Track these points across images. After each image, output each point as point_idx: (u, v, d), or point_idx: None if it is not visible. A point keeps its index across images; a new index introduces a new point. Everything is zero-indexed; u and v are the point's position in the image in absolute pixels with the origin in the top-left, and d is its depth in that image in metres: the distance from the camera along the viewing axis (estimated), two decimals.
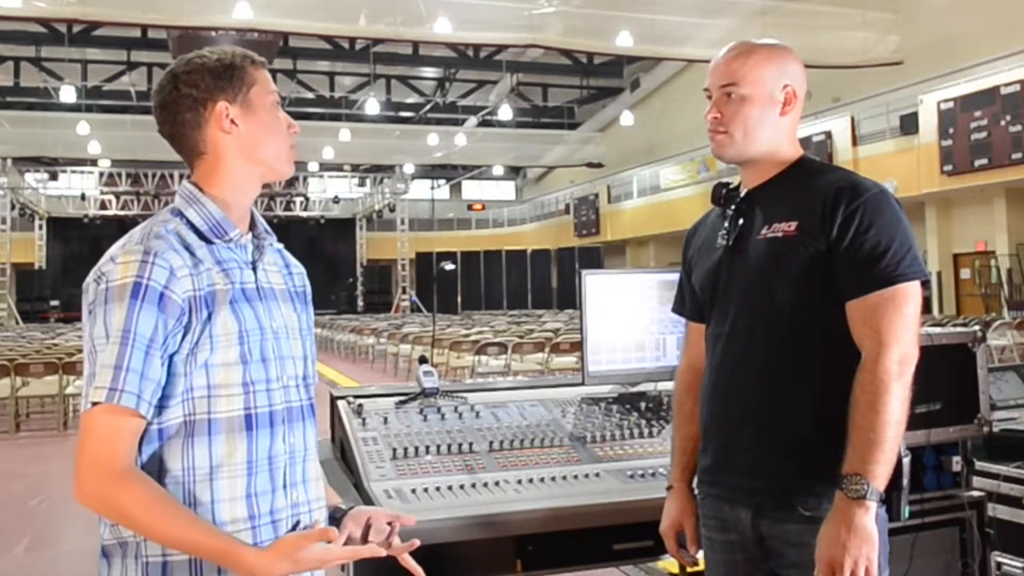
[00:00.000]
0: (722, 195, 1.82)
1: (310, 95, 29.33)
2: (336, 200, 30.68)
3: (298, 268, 1.60)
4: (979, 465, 2.66)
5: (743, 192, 1.79)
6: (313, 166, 29.55)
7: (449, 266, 20.22)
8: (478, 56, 26.30)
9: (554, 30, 17.23)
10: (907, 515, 1.78)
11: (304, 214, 31.03)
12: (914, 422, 1.99)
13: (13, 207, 27.54)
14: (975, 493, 2.53)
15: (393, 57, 25.85)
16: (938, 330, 2.58)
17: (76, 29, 21.86)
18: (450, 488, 2.00)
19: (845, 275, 1.61)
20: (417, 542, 1.45)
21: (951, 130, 16.32)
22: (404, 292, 30.87)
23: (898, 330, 1.57)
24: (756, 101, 1.71)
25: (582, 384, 2.51)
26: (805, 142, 18.52)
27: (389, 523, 1.50)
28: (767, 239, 1.69)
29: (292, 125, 1.50)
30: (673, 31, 17.45)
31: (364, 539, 1.49)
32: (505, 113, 24.90)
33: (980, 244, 17.58)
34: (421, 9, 15.51)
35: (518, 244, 32.78)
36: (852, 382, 1.57)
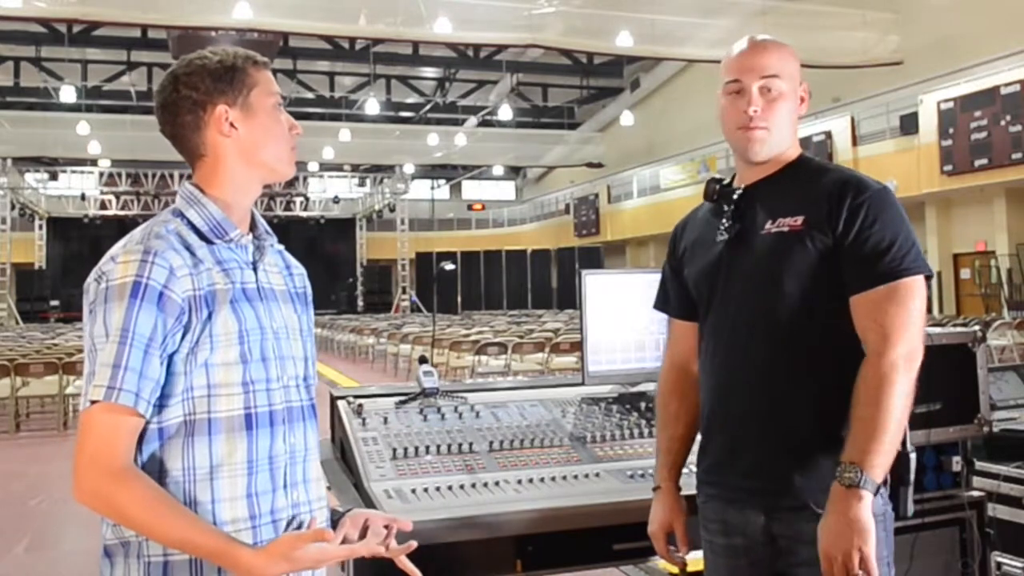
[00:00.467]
0: (715, 191, 1.79)
1: (310, 95, 29.33)
2: (336, 200, 30.68)
3: (299, 269, 1.60)
4: (979, 465, 2.66)
5: (741, 188, 1.76)
6: (313, 166, 29.55)
7: (449, 266, 20.21)
8: (478, 56, 26.30)
9: (554, 30, 17.23)
10: (912, 512, 1.78)
11: (304, 214, 31.03)
12: (914, 422, 1.99)
13: (13, 207, 27.54)
14: (975, 493, 2.54)
15: (393, 57, 25.86)
16: (938, 330, 2.58)
17: (76, 29, 21.86)
18: (450, 488, 2.00)
19: (850, 269, 1.61)
20: (414, 544, 1.44)
21: (951, 130, 16.32)
22: (404, 292, 30.87)
23: (903, 325, 1.56)
24: (790, 97, 1.70)
25: (582, 384, 2.51)
26: (805, 142, 18.54)
27: (386, 526, 1.50)
28: (772, 234, 1.67)
29: (294, 126, 1.50)
30: (673, 31, 17.46)
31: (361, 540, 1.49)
32: (505, 113, 24.91)
33: (980, 244, 17.58)
34: (421, 9, 15.51)
35: (518, 244, 32.78)
36: (855, 378, 1.56)
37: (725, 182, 1.80)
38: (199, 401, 1.36)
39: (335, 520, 1.52)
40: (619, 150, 30.57)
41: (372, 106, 24.07)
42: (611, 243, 29.49)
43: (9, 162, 26.11)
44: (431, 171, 33.97)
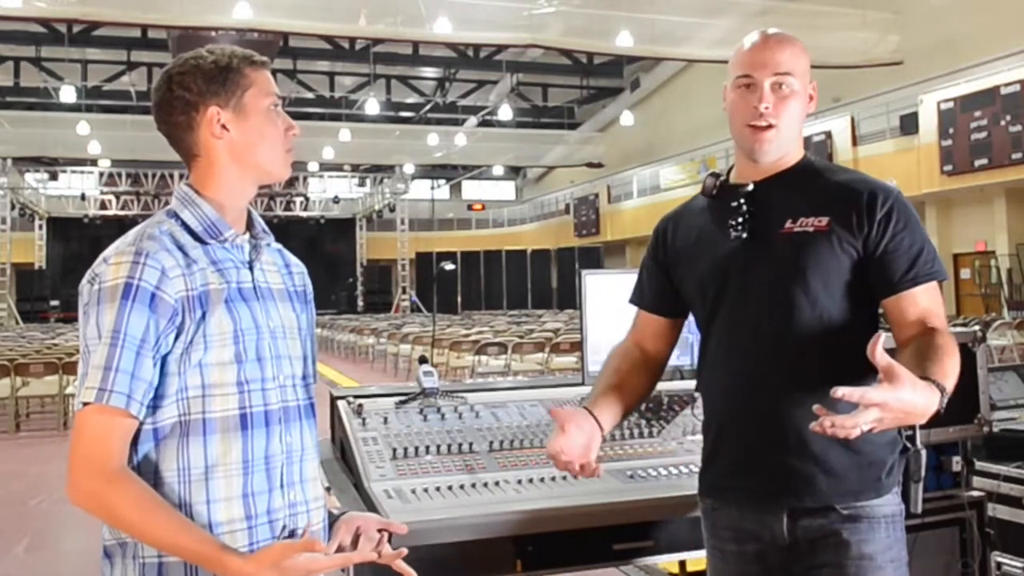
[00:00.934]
0: (715, 186, 1.74)
1: (310, 95, 29.33)
2: (336, 200, 30.69)
3: (299, 268, 1.59)
4: (979, 465, 2.66)
5: (750, 185, 1.70)
6: (313, 166, 29.55)
7: (449, 266, 20.22)
8: (478, 56, 26.31)
9: (554, 30, 17.23)
10: (921, 509, 1.77)
11: (304, 214, 31.04)
12: None
13: (13, 207, 27.54)
14: (975, 493, 2.54)
15: (393, 57, 25.87)
16: None
17: (76, 29, 21.86)
18: (450, 488, 2.00)
19: (889, 269, 1.60)
20: (405, 551, 1.45)
21: (951, 130, 16.32)
22: (404, 292, 30.88)
23: (943, 322, 1.62)
24: (801, 95, 1.67)
25: (582, 384, 2.50)
26: (805, 142, 18.33)
27: (381, 530, 1.50)
28: (795, 233, 1.63)
29: (291, 127, 1.48)
30: (673, 31, 17.45)
31: (354, 546, 1.49)
32: (505, 113, 24.90)
33: (980, 244, 17.58)
34: (421, 9, 15.51)
35: (518, 244, 32.78)
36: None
37: (723, 178, 1.76)
38: (193, 401, 1.35)
39: (331, 522, 1.52)
40: (619, 150, 30.57)
41: (372, 106, 24.07)
42: (611, 243, 29.49)
43: (9, 162, 26.10)
44: (431, 171, 33.97)
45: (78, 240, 29.26)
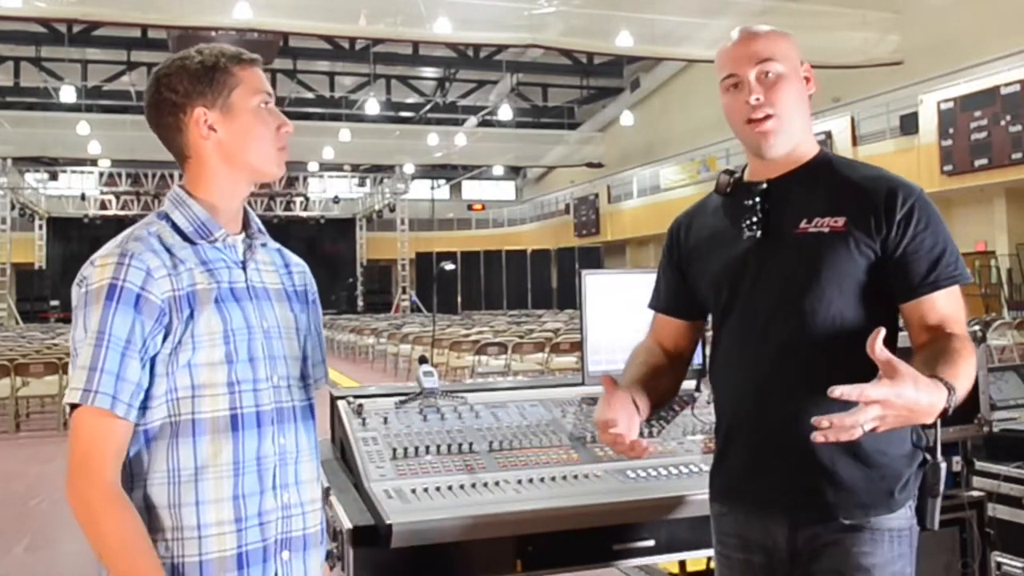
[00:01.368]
0: (729, 183, 1.70)
1: (310, 95, 29.33)
2: (336, 200, 30.68)
3: (300, 267, 1.58)
4: (979, 465, 2.66)
5: (763, 183, 1.65)
6: (313, 166, 29.55)
7: (449, 266, 20.21)
8: (478, 56, 26.30)
9: (554, 30, 17.23)
10: (938, 525, 1.68)
11: (304, 214, 31.03)
12: None
13: (13, 207, 27.54)
14: (975, 493, 2.54)
15: (393, 57, 25.86)
16: None
17: (76, 29, 21.86)
18: (450, 488, 2.00)
19: (909, 272, 1.55)
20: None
21: (951, 130, 16.32)
22: (404, 292, 30.87)
23: (965, 329, 1.56)
24: (792, 78, 1.61)
25: (582, 384, 2.50)
26: None
27: None
28: (810, 233, 1.58)
29: (284, 125, 1.47)
30: (673, 31, 17.45)
31: None
32: (505, 113, 24.91)
33: (980, 244, 17.57)
34: (421, 9, 15.51)
35: (518, 244, 32.77)
36: None
37: (737, 175, 1.71)
38: (183, 402, 1.35)
39: None
40: (619, 150, 30.57)
41: (372, 106, 24.07)
42: (611, 243, 29.49)
43: (9, 162, 26.10)
44: (431, 171, 33.97)
45: (78, 240, 29.22)
